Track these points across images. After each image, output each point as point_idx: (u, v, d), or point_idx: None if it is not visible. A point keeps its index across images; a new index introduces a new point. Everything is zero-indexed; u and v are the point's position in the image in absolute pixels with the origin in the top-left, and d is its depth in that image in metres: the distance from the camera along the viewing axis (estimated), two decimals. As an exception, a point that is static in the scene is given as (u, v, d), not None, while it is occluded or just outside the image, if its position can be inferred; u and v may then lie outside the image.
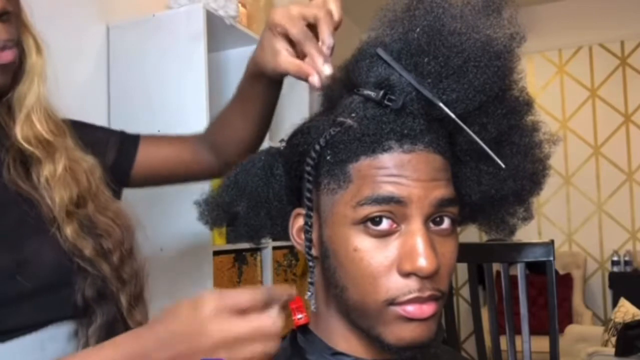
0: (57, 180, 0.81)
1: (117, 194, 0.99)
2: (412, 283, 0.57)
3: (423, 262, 0.55)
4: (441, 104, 0.57)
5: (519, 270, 1.47)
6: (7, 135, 0.81)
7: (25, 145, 0.80)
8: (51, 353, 0.75)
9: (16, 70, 0.82)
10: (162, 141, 1.06)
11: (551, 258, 1.44)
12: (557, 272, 3.99)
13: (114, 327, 0.80)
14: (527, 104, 0.64)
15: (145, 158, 1.02)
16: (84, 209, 0.83)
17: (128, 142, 1.02)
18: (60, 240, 0.78)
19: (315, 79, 0.69)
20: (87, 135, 0.94)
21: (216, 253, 1.78)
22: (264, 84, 0.89)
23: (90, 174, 0.87)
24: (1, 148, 0.81)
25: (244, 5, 2.13)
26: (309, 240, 0.63)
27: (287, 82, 0.89)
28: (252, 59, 0.85)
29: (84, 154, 0.89)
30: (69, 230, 0.79)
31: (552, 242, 1.47)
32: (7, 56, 0.76)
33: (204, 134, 1.05)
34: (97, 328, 0.79)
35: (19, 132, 0.81)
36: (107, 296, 0.81)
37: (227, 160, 0.99)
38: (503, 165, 0.59)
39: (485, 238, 2.65)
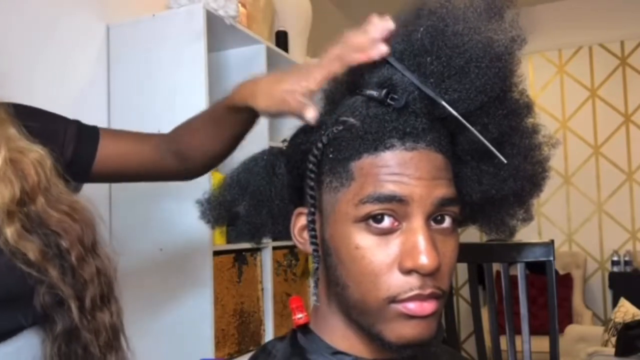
0: None
1: (76, 189, 0.93)
2: (413, 280, 0.57)
3: (424, 259, 0.56)
4: (444, 102, 0.57)
5: (519, 270, 1.47)
6: None
7: None
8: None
9: None
10: (123, 137, 1.01)
11: (551, 258, 1.45)
12: (557, 272, 3.99)
13: (73, 333, 0.76)
14: (527, 107, 0.65)
15: (105, 153, 0.96)
16: (33, 205, 0.77)
17: (87, 135, 0.97)
18: (0, 244, 0.73)
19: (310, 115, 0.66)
20: (37, 122, 0.87)
21: (216, 253, 1.78)
22: (246, 115, 0.86)
23: (39, 166, 0.80)
24: None
25: (244, 5, 2.13)
26: (314, 237, 0.64)
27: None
28: (238, 94, 0.82)
29: (30, 144, 0.82)
30: (9, 233, 0.73)
31: (552, 242, 1.47)
32: None
33: (170, 136, 1.00)
34: (57, 336, 0.75)
35: None
36: (63, 301, 0.75)
37: (190, 167, 0.99)
38: (505, 161, 0.60)
39: (485, 238, 2.65)
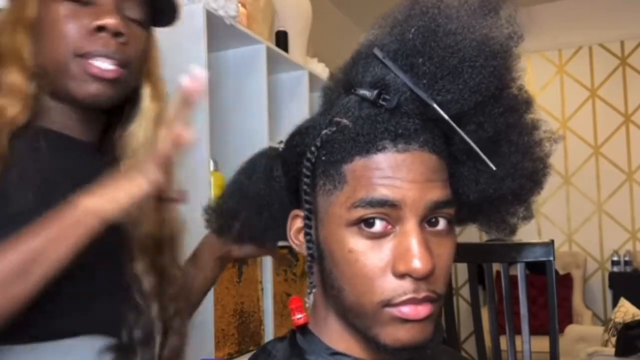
0: (146, 215, 0.85)
1: None
2: (407, 284, 0.56)
3: (417, 263, 0.55)
4: (434, 105, 0.57)
5: (519, 270, 1.47)
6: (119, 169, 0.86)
7: None
8: None
9: (130, 106, 0.88)
10: None
11: (551, 258, 1.44)
12: (557, 272, 3.99)
13: None
14: (527, 102, 0.64)
15: None
16: (161, 249, 0.88)
17: None
18: (127, 270, 0.84)
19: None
20: None
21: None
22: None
23: (174, 222, 0.91)
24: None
25: (244, 5, 2.13)
26: (310, 240, 0.63)
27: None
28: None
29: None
30: (139, 264, 0.84)
31: (552, 242, 1.47)
32: (110, 72, 0.80)
33: None
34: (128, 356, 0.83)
35: (124, 168, 0.85)
36: (150, 342, 0.85)
37: None
38: (494, 167, 0.59)
39: (485, 238, 2.65)
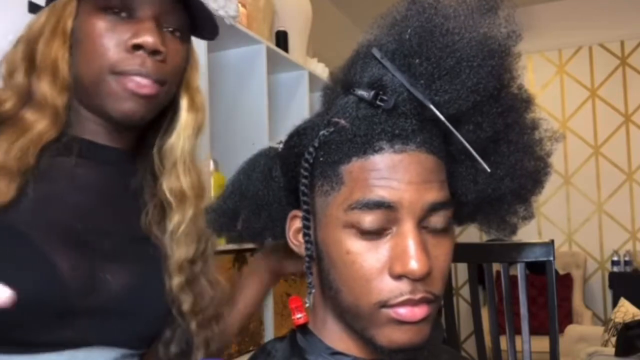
0: (181, 234, 0.86)
1: None
2: (404, 285, 0.56)
3: (414, 264, 0.55)
4: (431, 106, 0.56)
5: (519, 270, 1.47)
6: (157, 182, 0.87)
7: (167, 194, 0.86)
8: None
9: (167, 120, 0.87)
10: None
11: (551, 258, 1.44)
12: (557, 272, 3.99)
13: None
14: (526, 101, 0.64)
15: None
16: (195, 266, 0.88)
17: None
18: (165, 289, 0.84)
19: None
20: None
21: (216, 253, 1.78)
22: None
23: (209, 238, 0.91)
24: (150, 192, 0.87)
25: (244, 5, 2.13)
26: (308, 242, 0.63)
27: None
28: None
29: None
30: (175, 283, 0.84)
31: (552, 242, 1.47)
32: (146, 88, 0.78)
33: None
34: None
35: (164, 181, 0.86)
36: (186, 357, 0.86)
37: None
38: (488, 169, 0.59)
39: (485, 238, 2.65)
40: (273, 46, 2.28)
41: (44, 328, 0.73)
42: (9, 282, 0.68)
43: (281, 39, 2.44)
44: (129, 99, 0.78)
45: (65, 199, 0.79)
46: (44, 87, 0.78)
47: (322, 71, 2.75)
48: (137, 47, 0.77)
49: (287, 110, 2.48)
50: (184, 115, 0.87)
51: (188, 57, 0.87)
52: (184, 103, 0.87)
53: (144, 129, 0.87)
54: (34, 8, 0.85)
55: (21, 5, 0.86)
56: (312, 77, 2.55)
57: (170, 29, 0.81)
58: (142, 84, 0.78)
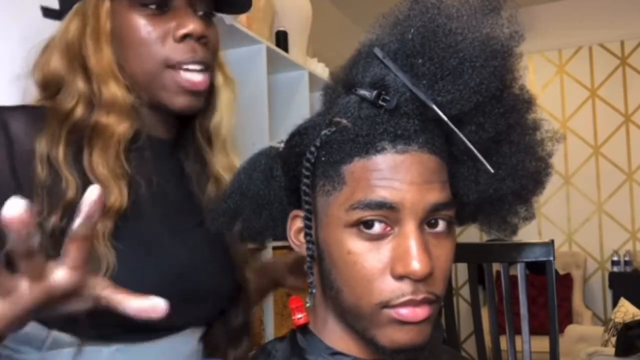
0: None
1: None
2: (405, 286, 0.56)
3: (416, 265, 0.55)
4: (434, 106, 0.56)
5: (519, 270, 1.47)
6: (208, 163, 0.90)
7: (221, 172, 0.88)
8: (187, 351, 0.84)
9: (208, 101, 0.88)
10: None
11: (551, 258, 1.44)
12: (557, 272, 3.99)
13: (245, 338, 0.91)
14: (528, 102, 0.64)
15: None
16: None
17: None
18: (233, 265, 0.88)
19: None
20: None
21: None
22: None
23: None
24: (205, 175, 0.89)
25: (244, 5, 2.13)
26: (310, 241, 0.63)
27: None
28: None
29: None
30: (239, 255, 0.88)
31: (552, 242, 1.47)
32: (201, 85, 0.82)
33: None
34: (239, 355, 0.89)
35: (217, 160, 0.89)
36: (249, 330, 0.91)
37: None
38: (492, 170, 0.58)
39: (485, 238, 2.65)
40: (273, 46, 2.28)
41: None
42: (142, 270, 0.74)
43: (281, 39, 2.44)
44: (185, 94, 0.81)
45: (162, 192, 0.82)
46: (113, 90, 0.79)
47: (322, 71, 2.75)
48: (185, 36, 0.79)
49: (287, 110, 2.48)
50: (223, 92, 0.90)
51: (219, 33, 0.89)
52: (219, 80, 0.89)
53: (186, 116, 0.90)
54: (48, 13, 0.85)
55: (36, 8, 0.86)
56: (312, 77, 2.55)
57: (201, 13, 0.83)
58: (197, 82, 0.81)
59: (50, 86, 0.81)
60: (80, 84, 0.79)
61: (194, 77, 0.80)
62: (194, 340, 0.84)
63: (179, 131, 0.89)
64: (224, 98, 0.90)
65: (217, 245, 0.85)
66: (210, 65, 0.83)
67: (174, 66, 0.80)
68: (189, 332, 0.83)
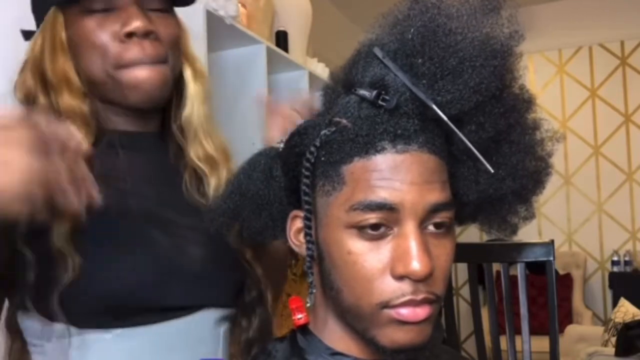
0: None
1: None
2: (406, 286, 0.56)
3: (416, 265, 0.55)
4: (434, 106, 0.56)
5: (519, 270, 1.47)
6: (184, 154, 0.90)
7: (196, 161, 0.89)
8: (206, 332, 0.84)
9: (178, 95, 0.90)
10: None
11: (551, 258, 1.44)
12: (557, 272, 3.99)
13: (268, 327, 0.91)
14: (528, 102, 0.64)
15: None
16: None
17: None
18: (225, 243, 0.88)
19: None
20: None
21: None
22: None
23: None
24: (182, 165, 0.90)
25: (244, 5, 2.13)
26: (310, 241, 0.63)
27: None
28: None
29: None
30: (231, 237, 0.87)
31: (552, 242, 1.47)
32: (150, 79, 0.82)
33: None
34: (256, 328, 0.89)
35: (191, 150, 0.90)
36: (264, 300, 0.91)
37: None
38: (492, 170, 0.58)
39: (485, 238, 2.65)
40: (273, 46, 2.28)
41: (176, 291, 0.80)
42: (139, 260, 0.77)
43: (281, 39, 2.44)
44: (135, 89, 0.82)
45: (135, 189, 0.83)
46: (66, 100, 0.81)
47: (322, 71, 2.74)
48: (129, 35, 0.80)
49: (287, 110, 2.48)
50: (191, 85, 0.91)
51: (179, 26, 0.90)
52: (187, 74, 0.91)
53: (164, 109, 0.91)
54: (28, 35, 0.88)
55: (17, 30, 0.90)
56: (312, 77, 2.55)
57: (153, 7, 0.84)
58: (143, 78, 0.81)
59: (30, 104, 0.83)
60: (41, 99, 0.82)
61: (141, 73, 0.81)
62: (208, 324, 0.84)
63: (160, 124, 0.92)
64: (193, 90, 0.91)
65: (206, 232, 0.86)
66: (165, 59, 0.84)
67: (126, 66, 0.81)
68: (199, 315, 0.83)
